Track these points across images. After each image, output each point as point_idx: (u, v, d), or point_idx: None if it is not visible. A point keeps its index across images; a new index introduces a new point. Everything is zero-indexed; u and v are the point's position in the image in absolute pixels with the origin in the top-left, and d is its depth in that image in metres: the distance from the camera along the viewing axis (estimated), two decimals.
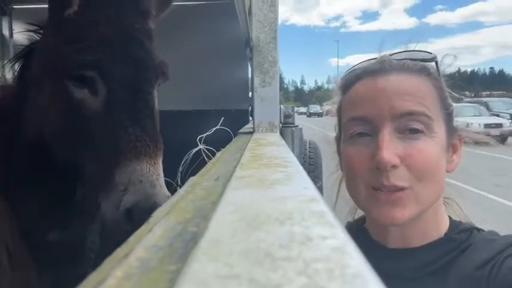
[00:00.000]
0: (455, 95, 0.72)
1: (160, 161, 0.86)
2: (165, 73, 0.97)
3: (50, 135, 0.95)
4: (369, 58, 0.74)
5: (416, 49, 0.73)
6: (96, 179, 0.86)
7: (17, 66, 1.13)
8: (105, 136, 0.85)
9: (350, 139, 0.68)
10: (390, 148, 0.60)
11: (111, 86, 0.86)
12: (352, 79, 0.72)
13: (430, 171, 0.62)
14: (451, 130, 0.68)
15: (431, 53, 0.72)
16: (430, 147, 0.62)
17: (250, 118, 1.72)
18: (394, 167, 0.60)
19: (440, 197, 0.67)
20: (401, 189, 0.61)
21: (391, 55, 0.71)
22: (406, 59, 0.69)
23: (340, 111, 0.75)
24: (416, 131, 0.62)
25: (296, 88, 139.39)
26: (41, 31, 1.07)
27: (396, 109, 0.62)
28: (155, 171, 0.83)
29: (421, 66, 0.68)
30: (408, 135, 0.62)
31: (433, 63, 0.71)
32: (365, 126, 0.65)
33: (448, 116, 0.67)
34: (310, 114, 41.64)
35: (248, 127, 1.23)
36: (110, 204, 0.82)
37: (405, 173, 0.61)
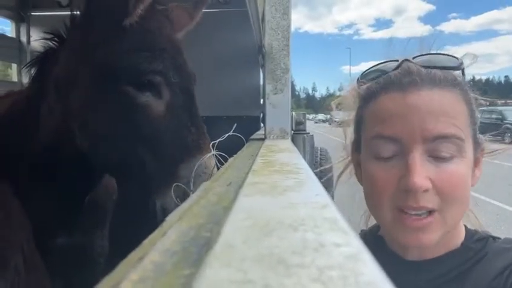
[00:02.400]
0: (483, 101, 0.69)
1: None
2: (196, 79, 1.08)
3: (90, 138, 0.99)
4: (390, 59, 0.70)
5: (440, 52, 0.69)
6: (156, 177, 0.94)
7: (33, 72, 1.15)
8: (170, 136, 0.94)
9: (375, 158, 0.65)
10: (422, 171, 0.58)
11: (173, 91, 0.97)
12: (376, 90, 0.68)
13: (460, 194, 0.60)
14: (476, 145, 0.65)
15: (457, 58, 0.68)
16: (461, 170, 0.60)
17: (262, 125, 1.73)
18: (425, 191, 0.58)
19: None
20: (429, 212, 0.59)
21: (413, 58, 0.67)
22: (430, 66, 0.65)
23: (360, 122, 0.72)
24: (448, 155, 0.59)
25: (307, 95, 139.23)
26: (57, 38, 1.10)
27: (429, 131, 0.59)
28: (213, 163, 0.94)
29: (453, 78, 0.64)
30: (439, 157, 0.59)
31: (459, 72, 0.68)
32: (393, 145, 0.62)
33: (475, 130, 0.65)
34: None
35: (260, 133, 1.23)
36: (173, 198, 0.89)
37: (434, 196, 0.59)
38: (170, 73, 0.96)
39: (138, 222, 0.93)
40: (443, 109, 0.60)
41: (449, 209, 0.59)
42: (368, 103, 0.69)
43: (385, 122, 0.63)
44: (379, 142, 0.64)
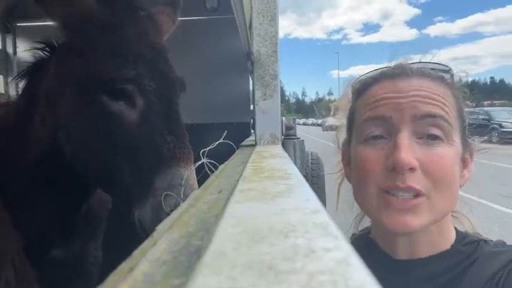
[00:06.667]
0: (470, 104, 0.72)
1: (193, 166, 0.91)
2: (184, 86, 1.04)
3: (73, 147, 0.97)
4: (383, 66, 0.73)
5: (431, 61, 0.72)
6: (132, 187, 0.90)
7: (22, 83, 1.14)
8: (144, 145, 0.90)
9: (365, 141, 0.66)
10: (409, 150, 0.59)
11: (148, 98, 0.92)
12: (368, 82, 0.71)
13: (448, 179, 0.60)
14: (465, 143, 0.67)
15: (446, 66, 0.71)
16: (449, 154, 0.61)
17: (252, 131, 1.73)
18: (412, 169, 0.58)
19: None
20: (417, 194, 0.59)
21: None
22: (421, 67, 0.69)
23: (352, 116, 0.73)
24: (435, 137, 0.61)
25: (297, 100, 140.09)
26: (48, 48, 1.09)
27: (418, 109, 0.61)
28: (192, 175, 0.89)
29: (441, 75, 0.68)
30: (427, 140, 0.61)
31: (449, 76, 0.70)
32: (382, 127, 0.64)
33: (464, 129, 0.66)
34: None
35: (250, 140, 1.23)
36: (149, 210, 0.87)
37: (422, 178, 0.59)
38: (145, 80, 0.92)
39: (123, 234, 0.91)
40: (431, 95, 0.62)
41: (437, 193, 0.59)
42: (360, 96, 0.72)
43: (376, 105, 0.65)
44: (369, 124, 0.65)
